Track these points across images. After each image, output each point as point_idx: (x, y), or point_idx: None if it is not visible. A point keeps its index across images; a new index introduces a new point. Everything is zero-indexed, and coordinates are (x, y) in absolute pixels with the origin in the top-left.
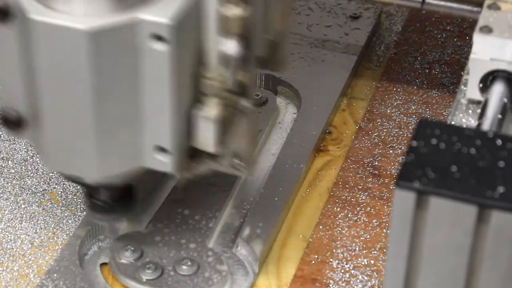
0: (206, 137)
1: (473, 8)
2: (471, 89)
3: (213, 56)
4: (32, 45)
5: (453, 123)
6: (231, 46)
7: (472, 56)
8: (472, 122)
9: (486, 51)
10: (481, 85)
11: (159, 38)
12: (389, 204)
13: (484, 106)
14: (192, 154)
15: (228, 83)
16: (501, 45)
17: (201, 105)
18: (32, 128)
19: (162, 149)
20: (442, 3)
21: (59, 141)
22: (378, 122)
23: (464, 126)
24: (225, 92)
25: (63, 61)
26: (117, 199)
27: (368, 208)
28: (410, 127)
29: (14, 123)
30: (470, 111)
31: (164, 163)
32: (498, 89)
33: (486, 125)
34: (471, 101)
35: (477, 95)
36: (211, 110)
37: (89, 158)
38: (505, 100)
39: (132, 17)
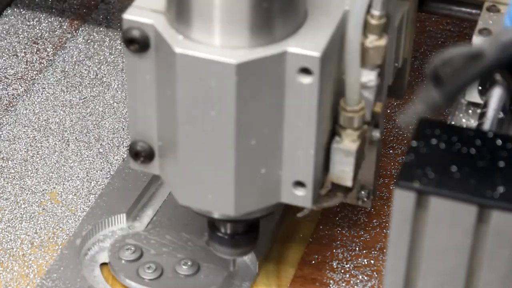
0: (344, 171)
1: (472, 10)
2: (470, 92)
3: (354, 89)
4: (174, 77)
5: (453, 123)
6: (371, 78)
7: None
8: (472, 122)
9: None
10: (480, 88)
11: (306, 70)
12: (389, 204)
13: (483, 109)
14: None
15: (366, 115)
16: None
17: (338, 138)
18: (161, 161)
19: (300, 184)
20: (442, 4)
21: (195, 175)
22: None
23: (464, 126)
24: (363, 124)
25: (207, 93)
26: (243, 233)
27: (368, 208)
28: (410, 127)
29: (145, 156)
30: (470, 111)
31: (302, 197)
32: (497, 92)
33: (486, 125)
34: (471, 104)
35: (476, 98)
36: (349, 143)
37: (227, 193)
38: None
39: (280, 50)
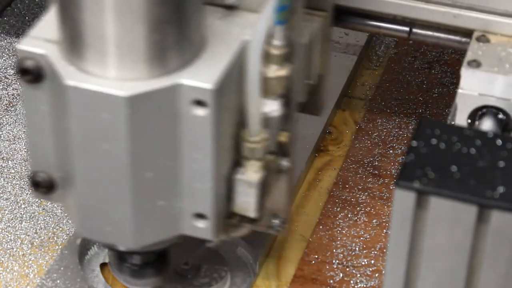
0: (247, 202)
1: (462, 38)
2: (459, 124)
3: (255, 119)
4: (67, 108)
5: (453, 123)
6: (274, 108)
7: (459, 91)
8: None
9: (474, 86)
10: (469, 121)
11: (199, 102)
12: (389, 204)
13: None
14: (229, 216)
15: (270, 145)
16: (490, 80)
17: (241, 168)
18: (63, 192)
19: (201, 216)
20: (430, 33)
21: (93, 207)
22: (378, 122)
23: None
24: (267, 155)
25: (99, 126)
26: (151, 263)
27: (368, 208)
28: (410, 127)
29: (45, 187)
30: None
31: (203, 229)
32: (487, 126)
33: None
34: None
35: None
36: (252, 174)
37: (125, 226)
38: None
39: (173, 82)
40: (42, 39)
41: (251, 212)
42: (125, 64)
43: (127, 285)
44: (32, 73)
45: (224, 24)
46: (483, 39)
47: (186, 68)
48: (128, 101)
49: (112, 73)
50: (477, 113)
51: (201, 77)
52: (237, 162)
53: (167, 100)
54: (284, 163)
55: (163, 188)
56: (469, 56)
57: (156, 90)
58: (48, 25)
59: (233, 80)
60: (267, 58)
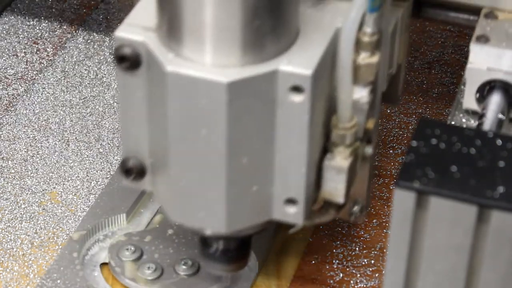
0: (336, 188)
1: (470, 16)
2: (468, 99)
3: (346, 106)
4: (165, 95)
5: (453, 123)
6: (364, 95)
7: (468, 65)
8: (472, 122)
9: (483, 61)
10: (478, 95)
11: (297, 89)
12: (389, 204)
13: (481, 117)
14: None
15: (359, 132)
16: (498, 55)
17: (330, 155)
18: (152, 178)
19: (292, 201)
20: (438, 11)
21: (187, 192)
22: (378, 122)
23: (464, 126)
24: (355, 141)
25: (197, 111)
26: (235, 249)
27: (368, 208)
28: (410, 127)
29: (137, 173)
30: (470, 111)
31: (293, 214)
32: (495, 100)
33: (486, 126)
34: (468, 111)
35: (474, 105)
36: (341, 160)
37: (219, 211)
38: (501, 115)
39: (271, 68)
40: (138, 26)
41: (340, 198)
42: (223, 51)
43: (211, 270)
44: (130, 60)
45: (315, 12)
46: (491, 15)
47: (283, 54)
48: (228, 87)
49: (211, 60)
50: (486, 87)
51: (299, 63)
52: (326, 148)
53: (264, 86)
54: (369, 149)
55: (257, 173)
56: (477, 31)
57: (255, 76)
58: (142, 12)
59: (326, 67)
60: (358, 45)
